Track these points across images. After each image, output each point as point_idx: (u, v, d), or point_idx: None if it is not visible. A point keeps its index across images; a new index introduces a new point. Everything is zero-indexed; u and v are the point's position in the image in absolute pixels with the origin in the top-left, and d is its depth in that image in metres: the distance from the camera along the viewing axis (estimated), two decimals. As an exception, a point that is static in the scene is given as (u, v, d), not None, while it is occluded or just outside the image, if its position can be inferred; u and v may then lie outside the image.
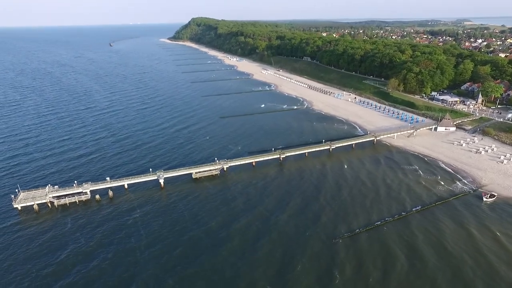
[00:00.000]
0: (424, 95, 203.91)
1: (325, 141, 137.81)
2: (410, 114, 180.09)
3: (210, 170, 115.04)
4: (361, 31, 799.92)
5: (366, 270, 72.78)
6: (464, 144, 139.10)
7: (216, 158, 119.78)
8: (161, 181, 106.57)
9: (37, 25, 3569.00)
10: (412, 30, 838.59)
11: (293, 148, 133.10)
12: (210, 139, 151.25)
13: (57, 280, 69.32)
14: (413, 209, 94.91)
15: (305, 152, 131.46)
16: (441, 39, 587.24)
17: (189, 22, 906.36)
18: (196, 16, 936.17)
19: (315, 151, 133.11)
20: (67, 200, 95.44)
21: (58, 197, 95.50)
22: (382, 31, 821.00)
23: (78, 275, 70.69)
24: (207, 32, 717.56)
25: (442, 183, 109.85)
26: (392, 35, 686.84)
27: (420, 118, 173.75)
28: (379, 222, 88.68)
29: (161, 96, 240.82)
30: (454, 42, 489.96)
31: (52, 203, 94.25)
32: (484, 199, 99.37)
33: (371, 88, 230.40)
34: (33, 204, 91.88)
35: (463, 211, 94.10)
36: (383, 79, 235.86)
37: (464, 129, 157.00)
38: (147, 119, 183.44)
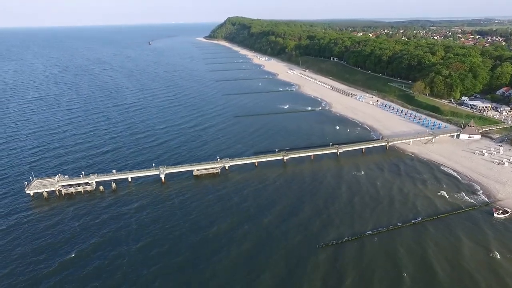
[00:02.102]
0: (452, 99, 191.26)
1: (332, 144, 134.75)
2: (433, 120, 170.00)
3: (211, 168, 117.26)
4: (401, 31, 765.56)
5: (353, 280, 70.62)
6: (486, 154, 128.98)
7: (218, 157, 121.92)
8: (162, 176, 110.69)
9: (85, 24, 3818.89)
10: (460, 30, 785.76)
11: (298, 150, 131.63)
12: (223, 138, 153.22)
13: (49, 269, 73.71)
14: (412, 221, 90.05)
15: (311, 155, 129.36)
16: (489, 40, 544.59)
17: (224, 21, 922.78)
18: (233, 15, 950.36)
19: (322, 154, 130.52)
20: (73, 190, 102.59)
21: (66, 186, 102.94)
22: (424, 31, 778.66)
23: (69, 267, 74.16)
24: (241, 32, 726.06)
25: (451, 194, 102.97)
26: (435, 35, 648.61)
27: (443, 124, 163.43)
28: (371, 232, 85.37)
29: (186, 96, 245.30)
30: (503, 43, 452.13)
31: (60, 191, 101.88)
32: (495, 215, 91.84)
33: (396, 90, 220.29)
34: (43, 192, 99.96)
35: (467, 226, 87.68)
36: (410, 81, 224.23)
37: (490, 138, 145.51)
38: (168, 117, 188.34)
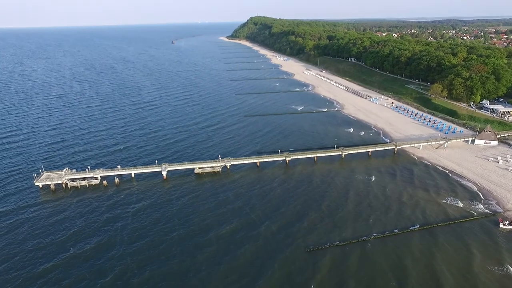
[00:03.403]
0: (472, 103, 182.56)
1: (337, 147, 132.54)
2: (448, 124, 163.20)
3: (213, 166, 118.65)
4: (429, 31, 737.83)
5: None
6: (501, 161, 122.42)
7: (219, 155, 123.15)
8: (164, 173, 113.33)
9: (113, 24, 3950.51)
10: (494, 30, 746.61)
11: (301, 151, 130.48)
12: (237, 137, 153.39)
13: (48, 264, 76.01)
14: (410, 228, 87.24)
15: (314, 157, 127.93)
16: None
17: (247, 21, 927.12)
18: (256, 15, 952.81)
19: (326, 156, 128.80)
20: (78, 183, 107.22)
21: (72, 180, 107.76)
22: (454, 31, 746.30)
23: (63, 259, 76.83)
24: (262, 31, 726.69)
25: (456, 202, 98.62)
26: (464, 36, 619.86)
27: (458, 129, 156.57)
28: (365, 237, 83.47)
29: (201, 95, 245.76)
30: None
31: (66, 184, 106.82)
32: (501, 226, 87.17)
33: (413, 93, 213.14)
34: (50, 184, 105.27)
35: (470, 236, 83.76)
36: (429, 83, 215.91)
37: (508, 144, 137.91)
38: (180, 117, 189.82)
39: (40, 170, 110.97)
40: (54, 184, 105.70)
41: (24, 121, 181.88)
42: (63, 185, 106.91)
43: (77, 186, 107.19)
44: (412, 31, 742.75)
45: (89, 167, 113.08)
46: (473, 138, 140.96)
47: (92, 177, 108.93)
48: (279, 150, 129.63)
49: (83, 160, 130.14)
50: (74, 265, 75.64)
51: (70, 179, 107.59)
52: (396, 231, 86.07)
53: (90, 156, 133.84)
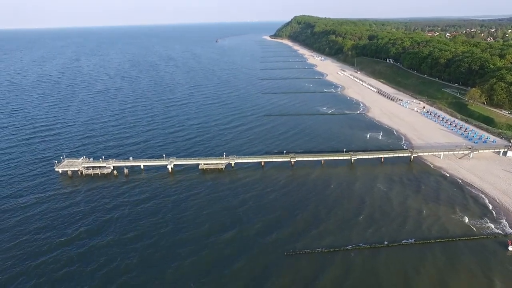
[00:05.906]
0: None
1: (347, 151, 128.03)
2: (481, 132, 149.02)
3: (217, 163, 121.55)
4: (492, 30, 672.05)
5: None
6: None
7: (224, 153, 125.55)
8: (169, 167, 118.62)
9: (181, 22, 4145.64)
10: None
11: (308, 153, 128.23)
12: (254, 139, 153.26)
13: (49, 255, 79.07)
14: (403, 241, 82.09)
15: (321, 160, 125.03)
16: None
17: (290, 20, 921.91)
18: (302, 14, 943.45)
19: (334, 159, 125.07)
20: (92, 171, 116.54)
21: (87, 168, 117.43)
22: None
23: (60, 252, 79.89)
24: (305, 31, 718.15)
25: (466, 217, 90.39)
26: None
27: (491, 138, 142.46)
28: (351, 246, 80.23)
29: (231, 94, 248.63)
30: None
31: (81, 172, 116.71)
32: (510, 249, 78.60)
33: (449, 97, 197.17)
34: (68, 171, 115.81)
35: (469, 257, 76.54)
36: (469, 88, 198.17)
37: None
38: (205, 115, 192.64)
39: (61, 157, 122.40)
40: (71, 170, 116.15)
41: (63, 114, 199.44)
42: (79, 172, 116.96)
43: (91, 174, 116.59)
44: (472, 30, 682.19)
45: (103, 156, 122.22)
46: (506, 150, 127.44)
47: (105, 166, 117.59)
48: (285, 151, 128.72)
49: (105, 154, 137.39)
50: (73, 258, 78.05)
51: (85, 167, 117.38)
52: (386, 243, 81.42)
53: (112, 150, 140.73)
